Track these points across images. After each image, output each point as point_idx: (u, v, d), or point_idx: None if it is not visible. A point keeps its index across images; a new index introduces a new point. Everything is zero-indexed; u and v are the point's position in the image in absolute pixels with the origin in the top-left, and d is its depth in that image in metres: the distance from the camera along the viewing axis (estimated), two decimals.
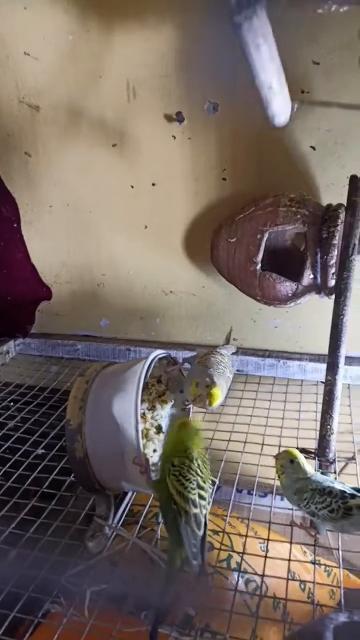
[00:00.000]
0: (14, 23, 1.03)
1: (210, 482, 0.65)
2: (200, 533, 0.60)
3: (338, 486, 0.66)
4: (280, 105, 0.46)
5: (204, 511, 0.61)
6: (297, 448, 0.88)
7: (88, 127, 1.08)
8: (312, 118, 0.95)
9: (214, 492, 0.77)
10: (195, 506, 0.61)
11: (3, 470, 0.87)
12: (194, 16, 0.94)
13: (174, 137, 1.04)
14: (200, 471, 0.63)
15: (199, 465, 0.64)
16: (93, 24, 1.00)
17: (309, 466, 0.69)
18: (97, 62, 1.02)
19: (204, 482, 0.63)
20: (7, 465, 0.88)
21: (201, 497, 0.62)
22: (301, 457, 0.69)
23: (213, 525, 0.80)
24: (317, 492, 0.66)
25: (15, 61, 1.06)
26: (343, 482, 0.69)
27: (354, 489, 0.67)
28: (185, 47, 0.96)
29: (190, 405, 0.88)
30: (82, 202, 1.15)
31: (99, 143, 1.08)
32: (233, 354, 0.89)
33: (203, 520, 0.61)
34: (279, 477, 0.70)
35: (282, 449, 0.74)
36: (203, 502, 0.62)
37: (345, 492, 0.65)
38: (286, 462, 0.69)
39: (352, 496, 0.65)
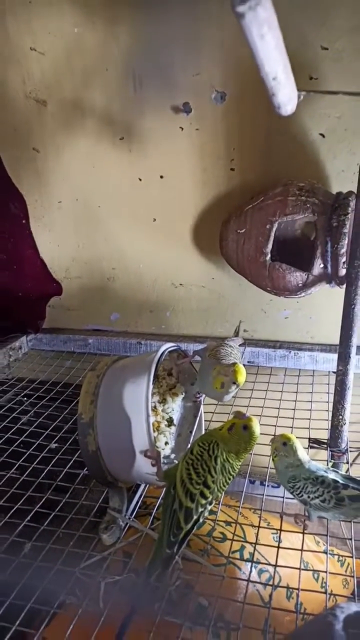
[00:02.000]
0: (19, 18, 1.03)
1: (219, 488, 0.62)
2: (186, 528, 0.59)
3: (331, 475, 0.66)
4: (286, 95, 0.45)
5: (200, 509, 0.60)
6: (309, 438, 0.88)
7: (95, 121, 1.08)
8: (321, 105, 0.94)
9: (221, 499, 0.77)
10: (192, 501, 0.60)
11: (17, 464, 0.88)
12: (198, 5, 0.93)
13: (182, 129, 1.03)
14: (214, 472, 0.61)
15: (215, 466, 0.61)
16: (98, 16, 0.99)
17: (303, 453, 0.68)
18: (103, 54, 1.02)
19: (214, 482, 0.61)
20: (22, 459, 0.89)
21: (203, 495, 0.60)
22: (296, 442, 0.68)
23: (225, 516, 0.80)
24: (310, 481, 0.66)
25: (22, 57, 1.06)
26: (337, 471, 0.68)
27: (347, 477, 0.67)
28: (191, 36, 0.95)
29: (202, 398, 0.88)
30: (90, 197, 1.15)
31: (107, 136, 1.08)
32: (240, 345, 0.89)
33: (195, 517, 0.59)
34: (273, 460, 0.70)
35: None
36: (202, 501, 0.60)
37: (337, 481, 0.65)
38: (279, 444, 0.68)
39: (345, 486, 0.65)
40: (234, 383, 0.70)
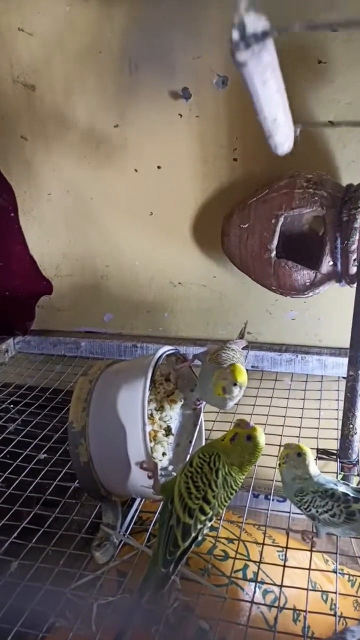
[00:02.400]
0: None
1: (220, 503, 0.61)
2: (183, 546, 0.59)
3: (341, 488, 0.66)
4: (283, 135, 0.45)
5: (199, 526, 0.59)
6: (318, 449, 0.88)
7: (88, 107, 1.08)
8: (330, 90, 0.94)
9: (222, 515, 0.76)
10: (191, 517, 0.59)
11: (3, 477, 0.87)
12: None
13: (180, 115, 1.03)
14: (215, 486, 0.61)
15: (216, 480, 0.61)
16: None
17: (315, 468, 0.68)
18: (96, 36, 1.02)
19: (214, 497, 0.60)
20: (8, 471, 0.88)
21: (203, 510, 0.60)
22: (310, 456, 0.68)
23: (227, 533, 0.80)
24: (318, 494, 0.66)
25: (9, 38, 1.06)
26: (347, 484, 0.68)
27: (358, 491, 0.66)
28: (191, 17, 0.95)
29: (202, 405, 0.88)
30: (82, 189, 1.15)
31: (100, 124, 1.08)
32: (244, 348, 0.89)
33: (193, 534, 0.59)
34: (279, 465, 0.69)
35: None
36: (202, 517, 0.60)
37: (348, 495, 0.65)
38: (293, 453, 0.68)
39: (356, 500, 0.64)
40: (235, 384, 0.70)
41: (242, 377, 0.70)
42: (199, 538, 0.61)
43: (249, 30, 0.32)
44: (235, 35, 0.32)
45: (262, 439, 0.62)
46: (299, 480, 0.67)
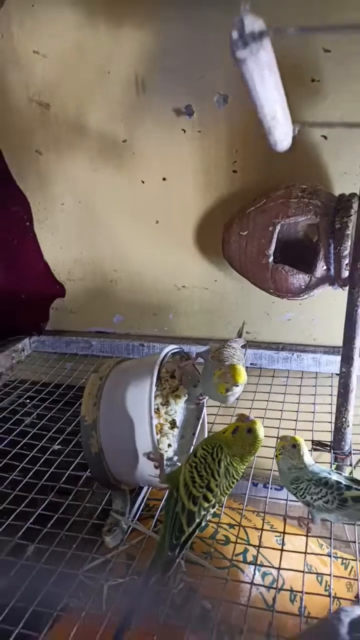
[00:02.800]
0: (23, 21, 1.03)
1: (222, 492, 0.61)
2: (188, 531, 0.59)
3: (334, 477, 0.66)
4: (283, 133, 0.44)
5: (202, 512, 0.60)
6: (312, 441, 0.88)
7: (98, 124, 1.08)
8: (323, 106, 0.94)
9: (224, 503, 0.76)
10: (195, 504, 0.59)
11: (20, 467, 0.88)
12: (202, 8, 0.93)
13: (184, 131, 1.03)
14: (218, 475, 0.61)
15: (218, 470, 0.61)
16: (101, 19, 0.99)
17: (309, 458, 0.68)
18: (105, 57, 1.02)
19: (217, 486, 0.61)
20: (25, 462, 0.89)
21: (206, 498, 0.60)
22: (304, 447, 0.68)
23: (229, 519, 0.80)
24: (312, 482, 0.66)
25: (25, 60, 1.06)
26: (340, 472, 0.68)
27: (350, 479, 0.66)
28: (193, 40, 0.95)
29: (205, 400, 0.88)
30: (93, 199, 1.15)
31: (109, 139, 1.08)
32: (242, 346, 0.89)
33: (197, 520, 0.59)
34: (276, 456, 0.70)
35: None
36: (205, 504, 0.60)
37: (340, 483, 0.65)
38: (288, 444, 0.68)
39: (348, 487, 0.65)
40: (236, 385, 0.70)
41: (242, 378, 0.70)
42: (203, 524, 0.61)
43: (247, 30, 0.32)
44: (235, 34, 0.32)
45: (261, 431, 0.63)
46: (295, 470, 0.67)
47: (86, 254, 1.21)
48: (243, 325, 0.98)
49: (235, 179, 1.04)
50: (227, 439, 0.63)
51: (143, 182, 1.10)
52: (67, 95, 1.07)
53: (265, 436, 0.87)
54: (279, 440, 0.70)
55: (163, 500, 0.79)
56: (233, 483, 0.63)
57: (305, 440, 0.83)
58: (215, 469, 0.61)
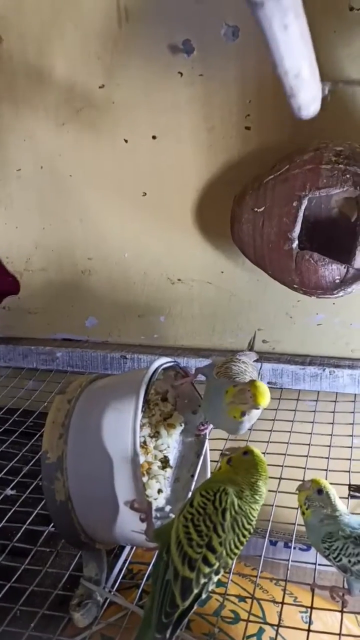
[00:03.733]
0: None
1: (228, 551, 0.61)
2: (183, 605, 0.58)
3: None
4: (309, 95, 0.45)
5: (202, 581, 0.59)
6: (350, 485, 0.88)
7: (67, 64, 1.08)
8: None
9: (232, 568, 0.76)
10: (192, 569, 0.59)
11: None
12: None
13: (181, 74, 1.04)
14: (222, 530, 0.61)
15: (223, 523, 0.61)
16: None
17: (341, 502, 0.69)
18: None
19: (221, 544, 0.60)
20: None
21: (207, 561, 0.59)
22: (332, 489, 0.69)
23: (238, 589, 0.80)
24: (350, 540, 0.66)
25: None
26: None
27: None
28: None
29: (208, 430, 0.88)
30: (59, 164, 1.15)
31: (82, 84, 1.08)
32: (255, 361, 0.89)
33: (196, 591, 0.59)
34: (303, 513, 0.70)
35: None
36: (206, 569, 0.59)
37: None
38: (313, 493, 0.69)
39: None
40: (257, 408, 0.71)
41: (265, 399, 0.70)
42: (203, 596, 0.61)
43: None
44: None
45: (258, 451, 0.67)
46: (328, 521, 0.68)
47: (50, 237, 1.21)
48: (255, 336, 0.98)
49: (249, 137, 1.05)
50: (226, 474, 0.65)
51: (126, 141, 1.11)
52: (26, 26, 1.07)
53: (287, 479, 0.87)
54: (298, 491, 0.71)
55: (151, 565, 0.79)
56: (244, 537, 0.63)
57: (340, 484, 0.83)
58: (219, 521, 0.61)
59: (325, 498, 0.68)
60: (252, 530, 0.64)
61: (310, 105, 0.46)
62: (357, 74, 0.96)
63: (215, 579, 0.61)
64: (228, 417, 0.73)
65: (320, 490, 0.68)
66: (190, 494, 0.82)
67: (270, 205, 0.94)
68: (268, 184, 0.95)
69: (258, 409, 0.71)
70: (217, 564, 0.61)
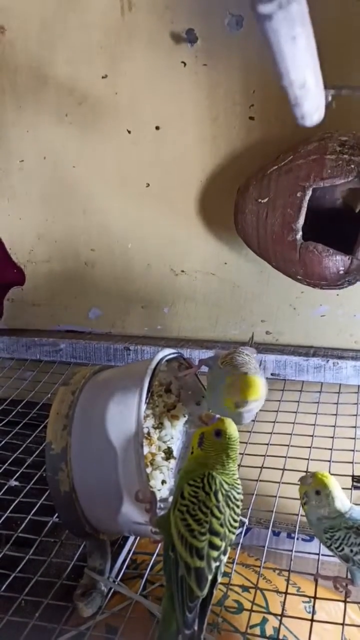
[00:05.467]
0: None
1: (230, 528, 0.62)
2: (202, 594, 0.59)
3: None
4: (314, 104, 0.44)
5: (213, 565, 0.60)
6: (353, 476, 0.88)
7: (70, 54, 1.07)
8: None
9: (242, 534, 0.77)
10: (201, 558, 0.59)
11: None
12: None
13: (184, 64, 1.03)
14: (220, 509, 0.62)
15: (218, 505, 0.62)
16: None
17: (344, 502, 0.68)
18: None
19: (222, 525, 0.61)
20: None
21: (213, 545, 0.60)
22: (334, 490, 0.68)
23: (242, 580, 0.80)
24: (353, 530, 0.66)
25: None
26: None
27: None
28: None
29: (214, 420, 0.88)
30: (62, 155, 1.15)
31: (85, 75, 1.08)
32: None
33: (210, 577, 0.59)
34: (302, 507, 0.70)
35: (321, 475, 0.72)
36: (215, 553, 0.60)
37: None
38: (310, 491, 0.69)
39: None
40: (245, 402, 0.70)
41: (254, 394, 0.70)
42: (219, 579, 0.61)
43: None
44: None
45: (232, 429, 0.66)
46: (327, 520, 0.68)
47: (53, 228, 1.21)
48: (252, 337, 0.98)
49: (253, 128, 1.04)
50: (197, 458, 0.66)
51: (129, 131, 1.10)
52: (29, 16, 1.07)
53: (291, 470, 0.87)
54: (300, 482, 0.71)
55: (155, 555, 0.79)
56: (238, 507, 0.64)
57: (343, 475, 0.83)
58: (214, 504, 0.62)
59: (323, 499, 0.68)
60: (242, 498, 0.65)
61: (314, 113, 0.45)
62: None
63: (224, 559, 0.62)
64: (224, 407, 0.73)
65: (318, 492, 0.68)
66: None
67: (274, 196, 0.94)
68: (272, 175, 0.95)
69: (246, 402, 0.71)
70: (223, 544, 0.61)
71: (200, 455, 0.65)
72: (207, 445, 0.65)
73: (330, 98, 0.46)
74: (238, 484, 0.65)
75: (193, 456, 0.67)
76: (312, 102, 0.43)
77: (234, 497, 0.64)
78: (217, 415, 0.66)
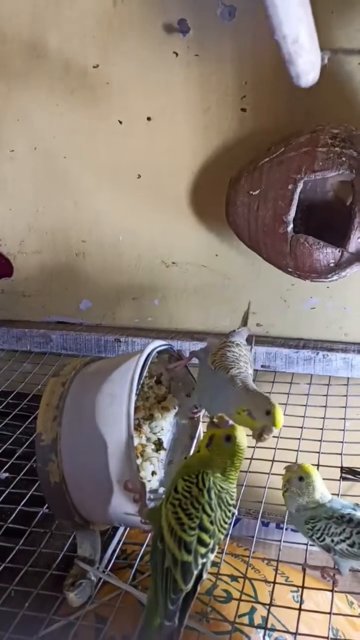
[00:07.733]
0: None
1: (219, 527, 0.63)
2: (187, 588, 0.59)
3: None
4: (308, 63, 0.44)
5: (200, 561, 0.60)
6: (342, 467, 0.89)
7: (60, 43, 1.07)
8: None
9: (231, 525, 0.77)
10: (189, 552, 0.60)
11: None
12: None
13: (176, 54, 1.03)
14: (212, 506, 0.62)
15: (209, 502, 0.62)
16: None
17: (324, 493, 0.69)
18: None
19: (212, 523, 0.61)
20: None
21: (201, 542, 0.60)
22: (316, 481, 0.69)
23: (231, 569, 0.80)
24: (333, 520, 0.67)
25: None
26: None
27: None
28: None
29: (201, 414, 0.88)
30: (54, 145, 1.14)
31: (76, 64, 1.07)
32: (248, 339, 0.89)
33: (196, 573, 0.60)
34: (282, 493, 0.71)
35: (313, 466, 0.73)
36: (202, 550, 0.60)
37: None
38: (294, 478, 0.69)
39: None
40: (272, 432, 0.70)
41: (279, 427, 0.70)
42: (204, 576, 0.61)
43: None
44: None
45: (242, 438, 0.64)
46: (305, 511, 0.68)
47: (44, 219, 1.21)
48: (249, 308, 0.97)
49: (245, 119, 1.04)
50: (202, 458, 0.65)
51: (120, 122, 1.10)
52: (19, 4, 1.06)
53: (279, 461, 0.88)
54: (285, 470, 0.71)
55: (145, 545, 0.79)
56: (230, 512, 0.64)
57: (332, 466, 0.83)
58: (206, 501, 0.62)
59: (304, 487, 0.69)
60: (234, 505, 0.64)
61: (309, 73, 0.45)
62: (357, 44, 0.95)
63: (211, 557, 0.62)
64: (222, 405, 0.73)
65: (302, 478, 0.69)
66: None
67: (265, 188, 0.94)
68: (264, 167, 0.95)
69: (272, 432, 0.70)
70: (212, 542, 0.61)
71: (205, 455, 0.65)
72: (215, 448, 0.64)
73: (326, 60, 0.46)
74: (233, 492, 0.65)
75: (198, 455, 0.66)
76: (305, 60, 0.43)
77: (227, 501, 0.63)
78: (230, 421, 0.65)
